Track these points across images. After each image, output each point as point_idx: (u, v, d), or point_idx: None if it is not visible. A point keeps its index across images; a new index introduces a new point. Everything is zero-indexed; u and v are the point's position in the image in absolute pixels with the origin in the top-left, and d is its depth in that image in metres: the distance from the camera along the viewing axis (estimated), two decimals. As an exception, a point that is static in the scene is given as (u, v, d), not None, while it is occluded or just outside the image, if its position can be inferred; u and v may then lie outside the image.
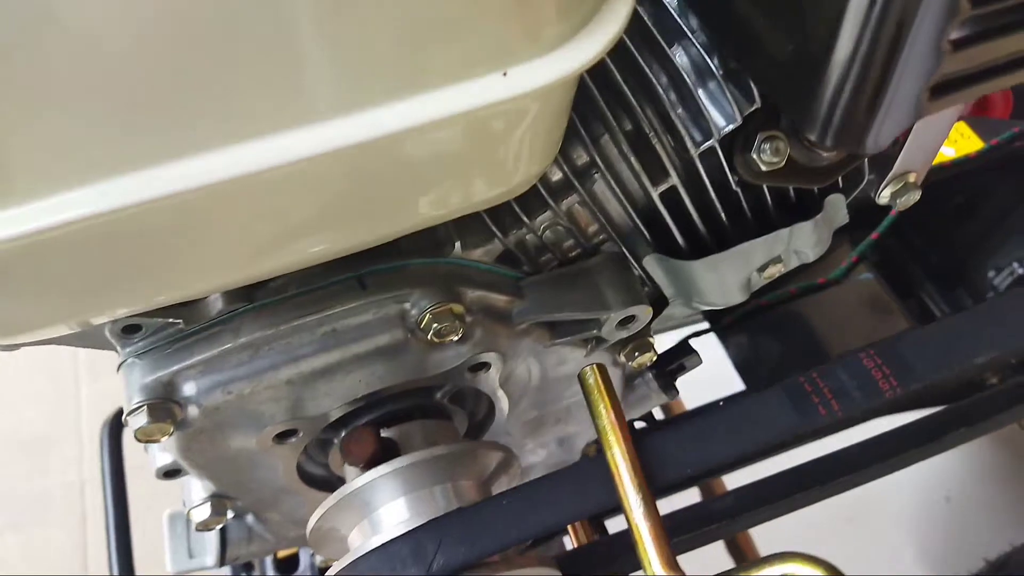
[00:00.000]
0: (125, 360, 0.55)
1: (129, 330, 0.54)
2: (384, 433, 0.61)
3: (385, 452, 0.58)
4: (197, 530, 0.67)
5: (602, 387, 0.54)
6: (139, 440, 0.54)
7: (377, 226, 0.48)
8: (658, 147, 0.54)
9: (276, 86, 0.37)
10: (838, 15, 0.38)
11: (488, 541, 0.51)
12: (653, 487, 0.51)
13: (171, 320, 0.54)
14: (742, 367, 1.19)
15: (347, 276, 0.55)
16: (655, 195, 0.57)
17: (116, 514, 0.87)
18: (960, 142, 1.25)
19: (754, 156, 0.55)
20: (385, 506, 0.57)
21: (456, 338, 0.57)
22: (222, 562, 0.71)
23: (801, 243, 0.65)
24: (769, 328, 1.25)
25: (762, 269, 0.68)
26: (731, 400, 0.80)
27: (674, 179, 0.56)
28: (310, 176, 0.41)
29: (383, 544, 0.52)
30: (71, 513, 1.55)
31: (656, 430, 0.54)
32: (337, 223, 0.46)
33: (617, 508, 0.50)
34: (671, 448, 0.53)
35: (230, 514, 0.70)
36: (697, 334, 1.29)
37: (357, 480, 0.56)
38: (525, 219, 0.59)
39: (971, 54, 0.39)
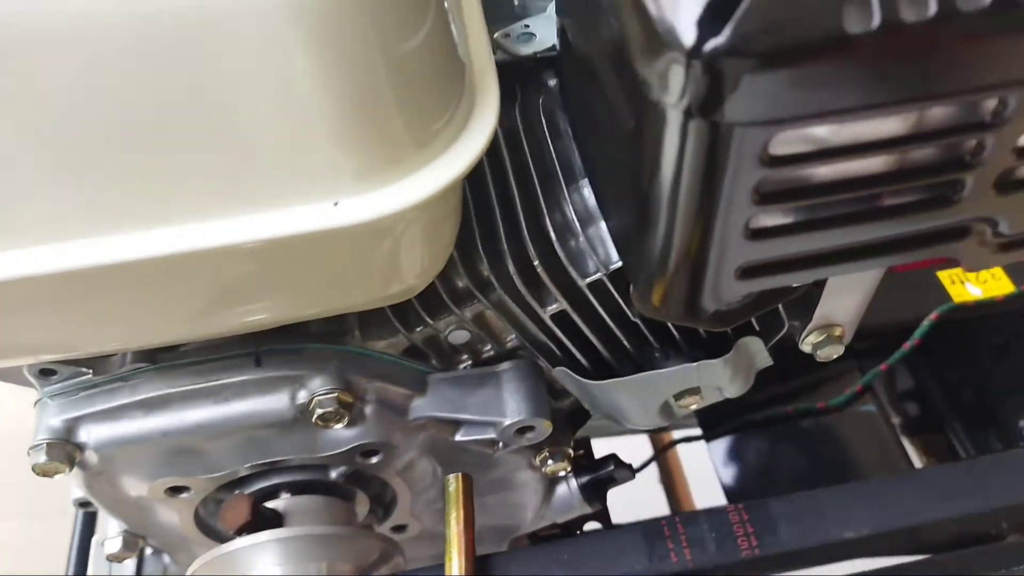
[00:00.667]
0: (40, 399, 0.60)
1: (45, 373, 0.59)
2: (273, 504, 0.64)
3: (263, 522, 0.61)
4: (108, 560, 0.71)
5: (460, 496, 0.55)
6: (37, 474, 0.59)
7: (246, 315, 0.51)
8: (543, 275, 0.55)
9: (133, 192, 0.41)
10: (658, 207, 0.39)
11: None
12: (483, 606, 0.52)
13: (82, 369, 0.59)
14: (726, 481, 1.17)
15: (244, 352, 0.59)
16: (545, 317, 0.59)
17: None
18: (990, 283, 1.20)
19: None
20: (247, 570, 0.59)
21: (341, 424, 0.59)
22: (135, 595, 0.75)
23: (713, 379, 0.65)
24: (759, 445, 1.22)
25: (679, 398, 0.68)
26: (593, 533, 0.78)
27: (564, 304, 0.58)
28: (171, 269, 0.44)
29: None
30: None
31: (502, 553, 0.54)
32: (210, 309, 0.50)
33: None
34: (512, 570, 0.53)
35: (148, 550, 0.75)
36: (688, 439, 1.27)
37: (224, 545, 0.59)
38: (428, 319, 0.61)
39: (771, 246, 0.39)
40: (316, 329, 0.62)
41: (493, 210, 0.58)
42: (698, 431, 1.22)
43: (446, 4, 0.45)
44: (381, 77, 0.40)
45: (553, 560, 0.54)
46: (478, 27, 0.50)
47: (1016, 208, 0.40)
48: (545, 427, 0.64)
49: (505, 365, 0.66)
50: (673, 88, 0.32)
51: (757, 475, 1.17)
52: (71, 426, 0.59)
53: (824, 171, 0.36)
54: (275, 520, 0.62)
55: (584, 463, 0.79)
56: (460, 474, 0.57)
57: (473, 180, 0.59)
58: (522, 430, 0.64)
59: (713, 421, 1.20)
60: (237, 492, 0.62)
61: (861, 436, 1.18)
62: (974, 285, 1.22)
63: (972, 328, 1.24)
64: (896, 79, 0.31)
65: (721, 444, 1.21)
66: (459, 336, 0.63)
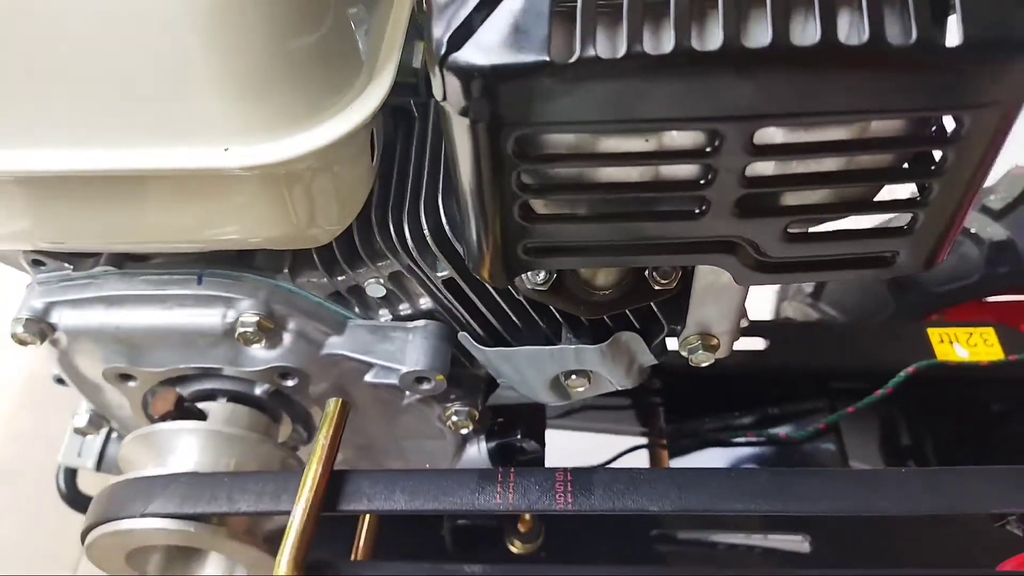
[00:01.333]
0: (30, 283, 0.73)
1: (36, 263, 0.72)
2: (204, 404, 0.75)
3: (186, 415, 0.72)
4: (75, 432, 0.84)
5: (333, 419, 0.65)
6: (14, 342, 0.72)
7: (167, 236, 0.62)
8: (431, 244, 0.64)
9: (73, 114, 0.52)
10: (460, 191, 0.47)
11: (194, 504, 0.63)
12: (326, 508, 0.61)
13: (64, 264, 0.72)
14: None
15: (190, 271, 0.70)
16: (438, 281, 0.68)
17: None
18: (980, 347, 1.21)
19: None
20: (164, 453, 0.71)
21: (260, 345, 0.70)
22: (98, 468, 0.88)
23: (592, 365, 0.72)
24: (717, 464, 1.27)
25: (568, 377, 0.75)
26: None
27: (451, 272, 0.66)
28: (102, 184, 0.56)
29: (132, 478, 0.66)
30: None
31: (356, 471, 0.63)
32: (140, 226, 0.61)
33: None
34: (361, 486, 0.63)
35: (115, 435, 0.88)
36: (650, 447, 1.33)
37: (149, 426, 0.71)
38: (347, 268, 0.71)
39: (548, 230, 0.47)
40: (259, 263, 0.73)
41: (406, 184, 0.67)
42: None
43: (352, 10, 0.55)
44: (267, 56, 0.50)
45: (397, 485, 0.63)
46: (400, 32, 0.59)
47: (764, 232, 0.46)
48: (439, 380, 0.73)
49: (419, 323, 0.75)
50: (437, 90, 0.41)
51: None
52: (47, 308, 0.72)
53: (574, 172, 0.44)
54: (198, 416, 0.74)
55: (496, 429, 0.88)
56: (340, 400, 0.67)
57: (401, 156, 0.69)
58: (419, 380, 0.73)
59: (680, 434, 1.25)
60: (167, 386, 0.74)
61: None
62: (963, 347, 1.23)
63: (975, 391, 1.25)
64: (599, 103, 0.39)
65: (682, 458, 1.26)
66: (376, 290, 0.73)
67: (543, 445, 0.91)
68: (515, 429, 0.86)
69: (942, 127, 0.41)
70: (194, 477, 0.66)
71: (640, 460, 1.28)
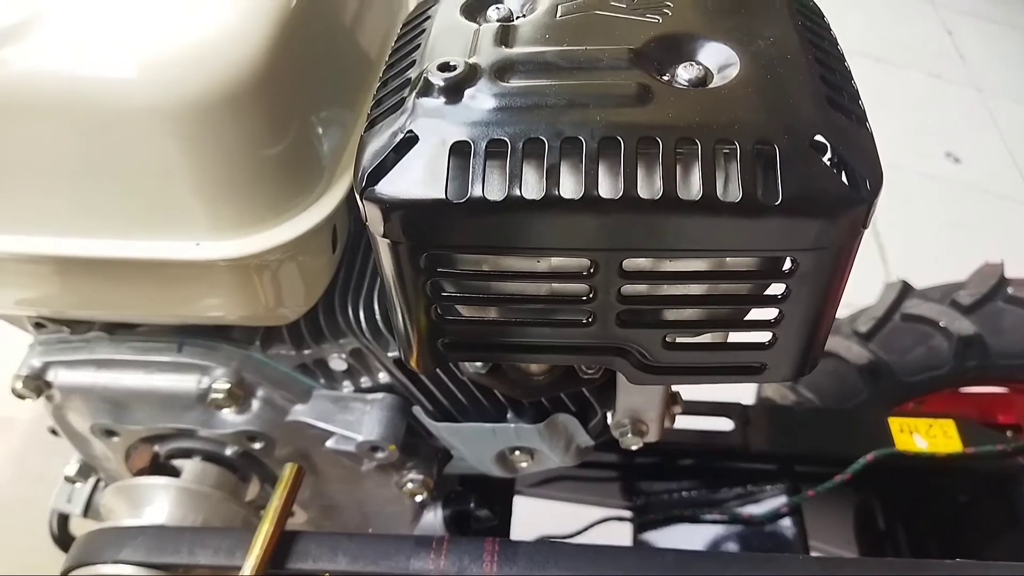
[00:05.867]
0: (32, 343, 0.82)
1: (38, 325, 0.81)
2: (179, 462, 0.83)
3: (160, 471, 0.80)
4: (66, 480, 0.92)
5: (288, 484, 0.72)
6: (13, 394, 0.80)
7: (151, 312, 0.71)
8: (383, 327, 0.72)
9: (56, 207, 0.61)
10: (389, 294, 0.54)
11: (159, 555, 0.70)
12: (274, 565, 0.68)
13: (63, 328, 0.80)
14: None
15: (171, 340, 0.78)
16: (388, 361, 0.75)
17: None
18: (939, 439, 1.26)
19: (464, 358, 0.71)
20: (139, 505, 0.78)
21: (231, 410, 0.78)
22: (85, 514, 0.95)
23: (531, 443, 0.79)
24: (679, 540, 1.31)
25: (512, 452, 0.82)
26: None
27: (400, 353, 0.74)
28: (91, 265, 0.65)
29: (107, 527, 0.73)
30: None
31: (305, 532, 0.70)
32: (129, 301, 0.70)
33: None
34: (309, 547, 0.69)
35: (102, 483, 0.95)
36: (619, 519, 1.37)
37: (127, 480, 0.78)
38: (311, 343, 0.79)
39: (455, 327, 0.54)
40: (235, 335, 0.81)
41: (366, 271, 0.75)
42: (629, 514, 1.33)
43: (318, 118, 0.64)
44: (237, 163, 0.59)
45: (340, 548, 0.69)
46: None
47: (646, 340, 0.53)
48: (391, 450, 0.80)
49: (378, 395, 0.82)
50: (362, 214, 0.49)
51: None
52: (45, 367, 0.80)
53: (481, 283, 0.52)
54: (171, 473, 0.81)
55: (453, 497, 0.94)
56: (296, 466, 0.74)
57: (365, 244, 0.77)
58: (374, 448, 0.80)
59: (645, 508, 1.30)
60: (145, 445, 0.82)
61: (774, 552, 1.25)
62: (922, 438, 1.28)
63: (944, 481, 1.29)
64: (490, 233, 0.46)
65: (646, 531, 1.31)
66: (338, 364, 0.81)
67: (508, 513, 0.97)
68: (470, 498, 0.92)
69: (783, 264, 0.48)
70: (161, 530, 0.73)
71: (609, 531, 1.32)
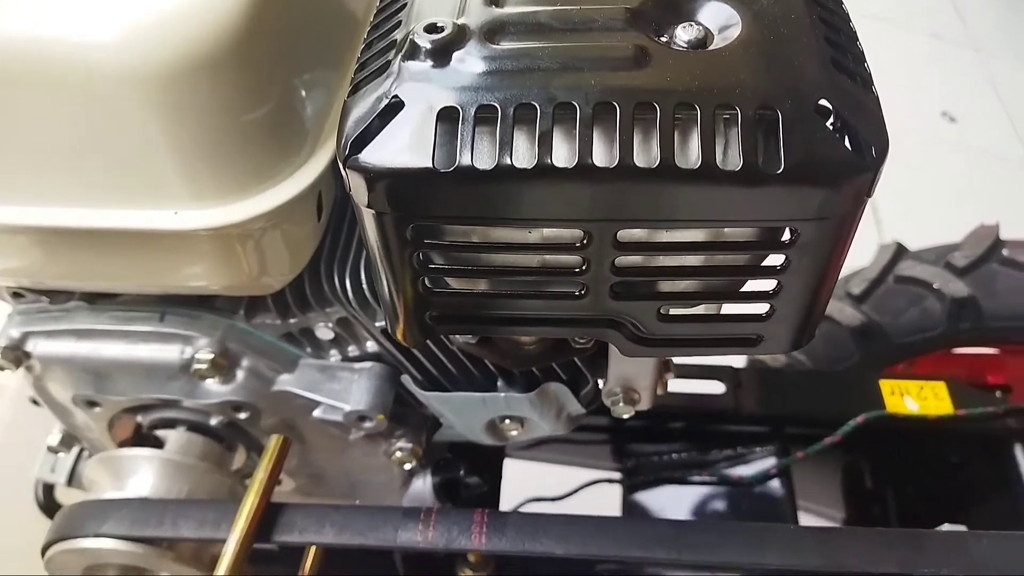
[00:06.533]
0: (11, 313, 0.80)
1: (16, 295, 0.78)
2: (163, 432, 0.81)
3: (144, 442, 0.78)
4: (48, 450, 0.90)
5: (273, 455, 0.71)
6: (-7, 366, 0.78)
7: (131, 280, 0.68)
8: (369, 297, 0.70)
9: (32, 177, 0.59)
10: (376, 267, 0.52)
11: (142, 527, 0.69)
12: (260, 538, 0.67)
13: (42, 298, 0.78)
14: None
15: (154, 309, 0.76)
16: (376, 331, 0.73)
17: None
18: (930, 401, 1.26)
19: (455, 327, 0.69)
20: (122, 477, 0.77)
21: (215, 380, 0.76)
22: (69, 483, 0.94)
23: (521, 412, 0.78)
24: (669, 502, 1.31)
25: (503, 421, 0.81)
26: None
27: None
28: (73, 236, 0.62)
29: (90, 500, 0.72)
30: None
31: (292, 504, 0.69)
32: (109, 270, 0.68)
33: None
34: (295, 519, 0.68)
35: (86, 453, 0.94)
36: (608, 481, 1.37)
37: (109, 451, 0.77)
38: (297, 311, 0.77)
39: (443, 300, 0.52)
40: (218, 304, 0.79)
41: (352, 239, 0.73)
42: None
43: (301, 80, 0.61)
44: (216, 129, 0.56)
45: (327, 519, 0.68)
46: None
47: (641, 312, 0.52)
48: (380, 419, 0.79)
49: (366, 364, 0.81)
50: (345, 184, 0.46)
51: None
52: (24, 337, 0.78)
53: (465, 256, 0.50)
54: (155, 444, 0.79)
55: (442, 465, 0.93)
56: (282, 437, 0.72)
57: (353, 213, 0.75)
58: (362, 418, 0.79)
59: (634, 470, 1.30)
60: (129, 416, 0.80)
61: (762, 514, 1.26)
62: (913, 400, 1.28)
63: (935, 444, 1.29)
64: (479, 203, 0.44)
65: (635, 493, 1.31)
66: (325, 333, 0.79)
67: (498, 479, 0.96)
68: (460, 465, 0.91)
69: (783, 234, 0.46)
70: (144, 502, 0.71)
71: (598, 494, 1.32)
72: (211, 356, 0.75)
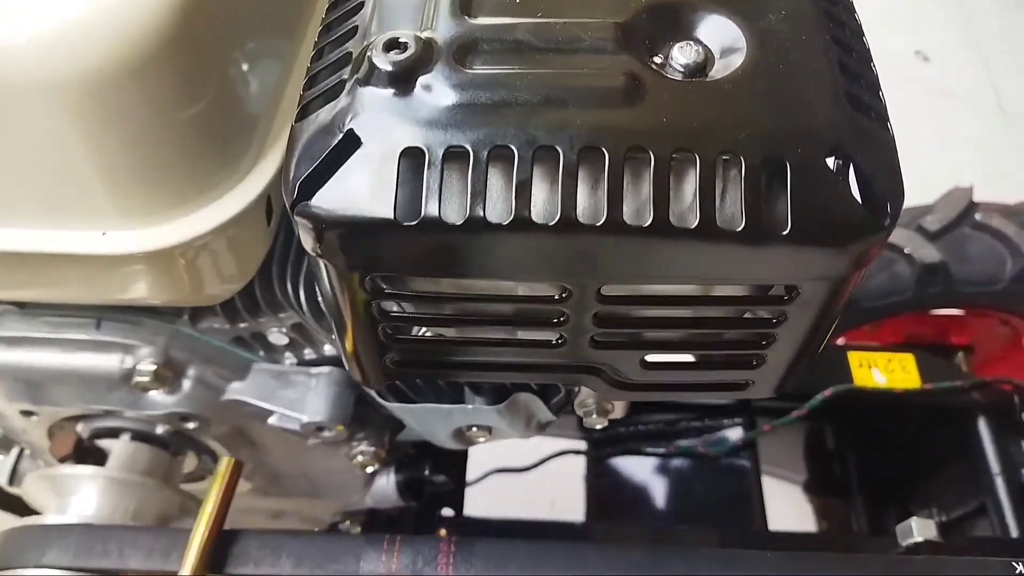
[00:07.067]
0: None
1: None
2: (106, 443, 0.75)
3: (86, 456, 0.73)
4: (-14, 452, 0.84)
5: (224, 479, 0.66)
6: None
7: (65, 293, 0.62)
8: (323, 305, 0.64)
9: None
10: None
11: (86, 558, 0.64)
12: (214, 570, 0.63)
13: (-29, 305, 0.71)
14: (590, 497, 1.25)
15: (88, 315, 0.70)
16: (327, 339, 0.68)
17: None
18: (897, 374, 1.24)
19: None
20: (64, 496, 0.72)
21: (158, 392, 0.70)
22: (10, 483, 0.88)
23: (488, 422, 0.74)
24: (634, 473, 1.29)
25: (469, 429, 0.77)
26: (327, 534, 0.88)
27: (348, 335, 0.67)
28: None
29: (30, 525, 0.67)
30: None
31: (245, 531, 0.64)
32: (36, 283, 0.61)
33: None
34: (249, 549, 0.64)
35: (27, 451, 0.88)
36: (574, 452, 1.35)
37: (47, 469, 0.71)
38: (248, 317, 0.71)
39: (406, 347, 0.47)
40: (161, 308, 0.72)
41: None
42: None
43: (234, 80, 0.54)
44: (143, 139, 0.50)
45: (284, 549, 0.64)
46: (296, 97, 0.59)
47: (622, 360, 0.47)
48: (338, 430, 0.74)
49: (323, 369, 0.76)
50: (295, 231, 0.41)
51: (621, 500, 1.26)
52: (-50, 345, 0.71)
53: (430, 307, 0.45)
54: (97, 457, 0.74)
55: (406, 463, 0.89)
56: (232, 460, 0.67)
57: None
58: (319, 428, 0.74)
59: (600, 441, 1.28)
60: (69, 425, 0.74)
61: (728, 487, 1.25)
62: (881, 373, 1.26)
63: (900, 415, 1.28)
64: (445, 258, 0.39)
65: (601, 463, 1.29)
66: (279, 338, 0.73)
67: (463, 477, 0.93)
68: (424, 463, 0.88)
69: (778, 291, 0.42)
70: (88, 529, 0.66)
71: (564, 465, 1.31)
72: (153, 367, 0.69)
